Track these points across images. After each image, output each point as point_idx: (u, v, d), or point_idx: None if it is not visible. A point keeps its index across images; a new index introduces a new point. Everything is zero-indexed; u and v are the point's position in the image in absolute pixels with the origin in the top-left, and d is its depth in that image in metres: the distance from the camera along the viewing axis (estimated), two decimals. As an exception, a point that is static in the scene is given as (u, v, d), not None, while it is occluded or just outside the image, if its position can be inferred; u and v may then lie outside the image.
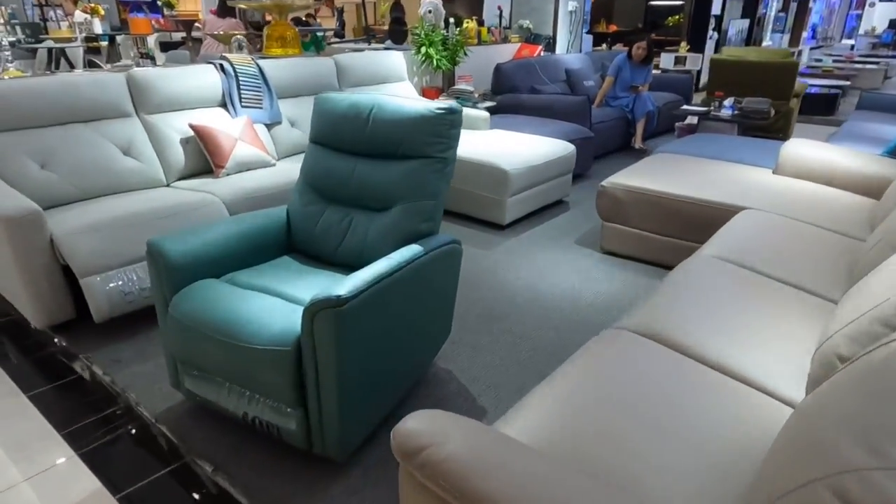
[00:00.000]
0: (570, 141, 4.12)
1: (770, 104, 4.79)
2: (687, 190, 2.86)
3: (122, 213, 2.45)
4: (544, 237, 3.43)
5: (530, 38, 5.94)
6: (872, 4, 18.25)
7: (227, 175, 3.07)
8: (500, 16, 5.77)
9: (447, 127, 1.89)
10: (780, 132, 5.49)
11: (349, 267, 2.00)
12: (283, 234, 2.11)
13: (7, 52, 6.23)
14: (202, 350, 1.67)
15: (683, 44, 8.56)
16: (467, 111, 4.33)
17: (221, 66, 3.36)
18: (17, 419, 2.00)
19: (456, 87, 4.84)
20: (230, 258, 1.92)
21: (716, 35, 9.46)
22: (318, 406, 1.58)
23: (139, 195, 2.76)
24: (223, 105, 3.36)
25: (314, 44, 6.03)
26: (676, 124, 5.45)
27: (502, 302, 2.67)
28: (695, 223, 2.80)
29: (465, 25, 5.30)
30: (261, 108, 3.45)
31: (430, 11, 5.23)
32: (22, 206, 2.20)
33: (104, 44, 7.67)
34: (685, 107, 5.19)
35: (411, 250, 1.75)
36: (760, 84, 5.35)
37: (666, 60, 8.35)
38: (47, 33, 7.69)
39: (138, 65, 5.82)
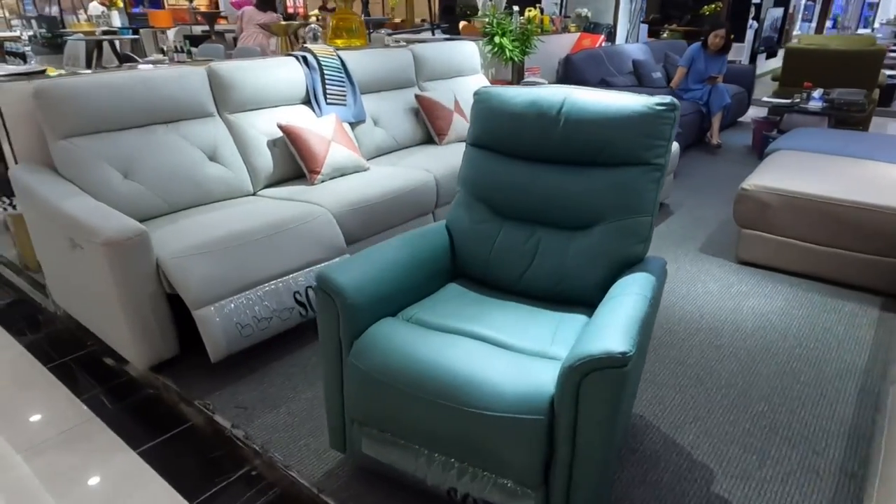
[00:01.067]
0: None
1: (865, 95, 4.47)
2: (850, 193, 2.53)
3: (229, 231, 2.10)
4: (664, 245, 3.10)
5: (589, 27, 5.59)
6: (890, -7, 17.93)
7: (322, 182, 2.72)
8: (561, 4, 5.42)
9: (668, 126, 1.55)
10: (859, 125, 5.18)
11: (538, 298, 1.66)
12: (448, 258, 1.76)
13: (28, 48, 5.84)
14: (398, 410, 1.33)
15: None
16: (550, 106, 3.98)
17: (304, 58, 3.00)
18: (134, 484, 1.65)
19: (529, 79, 4.49)
20: (402, 290, 1.57)
21: (755, 24, 9.14)
22: (567, 485, 1.24)
23: (235, 207, 2.40)
24: (306, 102, 3.00)
25: (354, 36, 5.65)
26: (752, 118, 5.11)
27: (655, 325, 2.34)
28: (864, 231, 2.47)
29: (529, 14, 4.94)
30: (345, 104, 3.09)
31: (490, 1, 4.88)
32: (126, 225, 1.85)
33: (126, 38, 7.25)
34: (766, 98, 4.86)
35: (648, 281, 1.41)
36: (841, 74, 5.03)
37: (709, 51, 8.01)
38: (64, 27, 7.27)
39: (172, 60, 5.45)
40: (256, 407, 1.87)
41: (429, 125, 3.47)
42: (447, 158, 3.13)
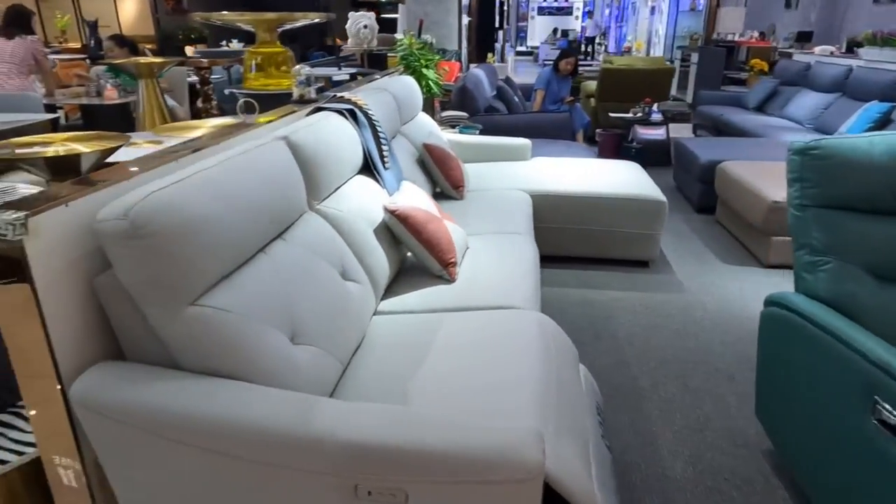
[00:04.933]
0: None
1: (687, 105, 5.40)
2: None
3: (556, 384, 1.41)
4: (688, 264, 3.23)
5: (437, 53, 5.44)
6: (533, 17, 22.15)
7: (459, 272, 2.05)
8: (420, 29, 5.12)
9: None
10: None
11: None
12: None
13: None
14: None
15: (490, 54, 9.01)
16: (505, 141, 3.77)
17: (353, 113, 2.19)
18: None
19: (449, 113, 4.16)
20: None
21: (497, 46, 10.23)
22: None
23: (422, 341, 1.63)
24: (363, 170, 2.21)
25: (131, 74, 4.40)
26: (598, 131, 5.70)
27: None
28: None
29: (400, 42, 4.55)
30: (388, 167, 2.38)
31: (365, 27, 4.37)
32: (530, 432, 1.07)
33: None
34: (614, 114, 5.47)
35: None
36: (643, 89, 5.96)
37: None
38: None
39: None
40: None
41: (441, 177, 2.92)
42: (497, 216, 2.69)
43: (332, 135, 1.96)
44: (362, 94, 2.68)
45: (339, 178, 1.97)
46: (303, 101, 2.44)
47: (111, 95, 4.18)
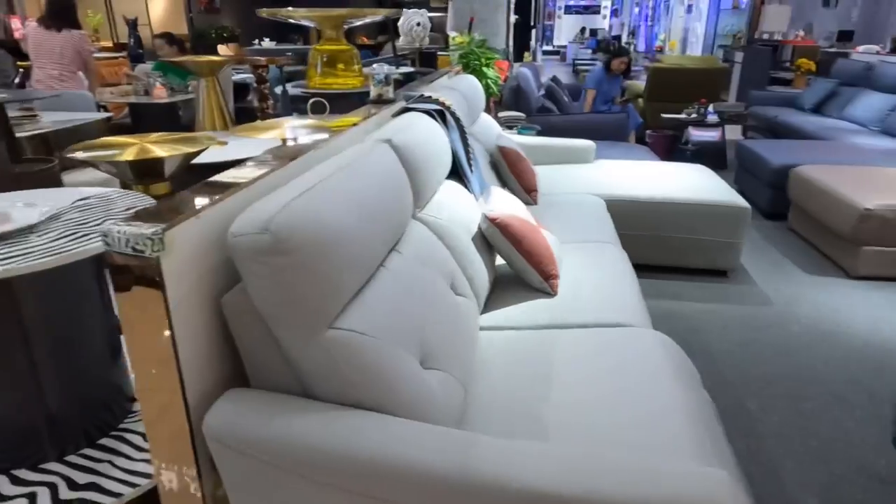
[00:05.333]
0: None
1: (744, 107, 5.21)
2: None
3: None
4: (768, 274, 3.07)
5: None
6: (560, 17, 21.90)
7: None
8: (471, 27, 5.00)
9: None
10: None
11: None
12: None
13: None
14: None
15: (527, 53, 8.87)
16: (568, 142, 3.64)
17: (441, 114, 2.08)
18: None
19: (507, 113, 4.03)
20: None
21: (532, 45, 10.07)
22: None
23: (530, 357, 1.51)
24: (451, 175, 2.09)
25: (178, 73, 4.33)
26: (648, 132, 5.53)
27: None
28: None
29: (454, 40, 4.44)
30: (474, 171, 2.26)
31: (418, 24, 4.25)
32: (722, 477, 0.94)
33: None
34: (666, 115, 5.30)
35: None
36: (694, 89, 5.76)
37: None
38: None
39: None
40: None
41: (514, 181, 2.79)
42: (578, 223, 2.56)
43: (428, 137, 1.84)
44: (439, 90, 2.57)
45: (437, 183, 1.85)
46: (381, 100, 2.33)
47: (160, 94, 4.13)
